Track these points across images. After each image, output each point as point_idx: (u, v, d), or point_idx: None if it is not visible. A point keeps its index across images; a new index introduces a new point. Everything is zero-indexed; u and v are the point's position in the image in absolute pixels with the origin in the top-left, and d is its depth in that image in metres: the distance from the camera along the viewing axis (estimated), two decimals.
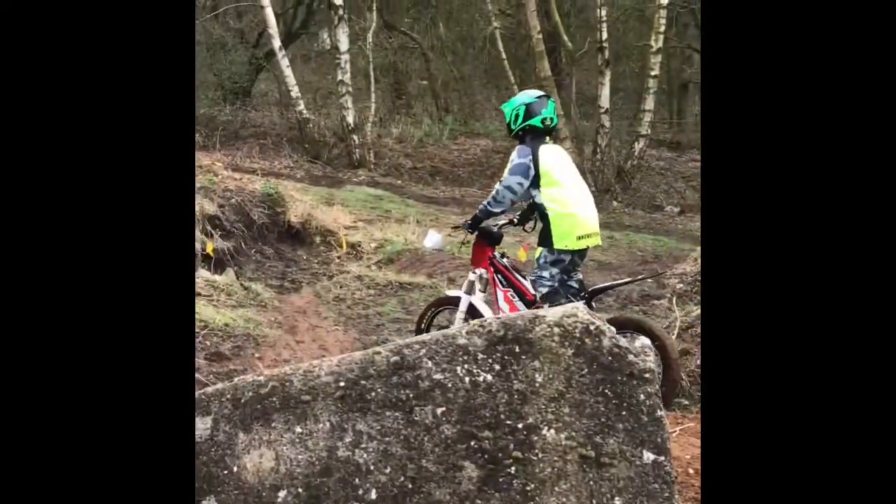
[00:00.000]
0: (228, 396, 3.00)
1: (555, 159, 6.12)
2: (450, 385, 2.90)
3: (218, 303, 7.64)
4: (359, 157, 20.10)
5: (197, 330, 6.51)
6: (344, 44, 20.24)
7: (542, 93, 6.43)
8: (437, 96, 26.75)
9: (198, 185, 11.41)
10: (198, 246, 9.56)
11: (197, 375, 5.32)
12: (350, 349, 6.91)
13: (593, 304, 6.22)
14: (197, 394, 3.06)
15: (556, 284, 6.08)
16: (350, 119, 20.17)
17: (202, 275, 8.39)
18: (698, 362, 5.52)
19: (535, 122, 6.13)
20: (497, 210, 6.31)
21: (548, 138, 6.21)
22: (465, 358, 2.92)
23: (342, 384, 2.95)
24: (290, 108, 21.78)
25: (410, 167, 20.95)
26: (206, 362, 5.74)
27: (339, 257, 11.14)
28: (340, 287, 9.27)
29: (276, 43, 20.27)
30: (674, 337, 5.70)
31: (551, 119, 6.18)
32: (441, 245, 11.68)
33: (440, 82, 26.98)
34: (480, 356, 2.92)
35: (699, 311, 6.50)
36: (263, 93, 27.18)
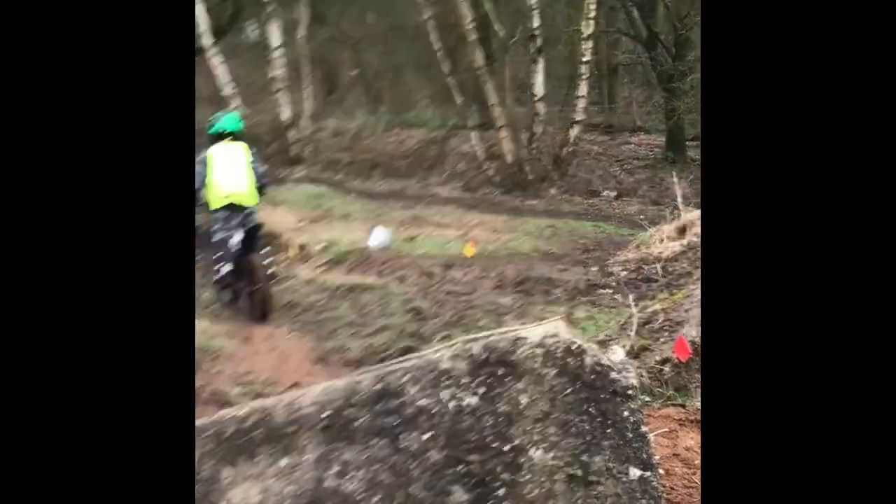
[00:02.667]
0: (211, 431, 2.97)
1: (217, 153, 8.81)
2: (435, 410, 2.90)
3: None
4: (296, 153, 19.96)
5: None
6: (276, 39, 20.06)
7: (229, 111, 10.33)
8: (370, 88, 26.66)
9: None
10: None
11: None
12: (308, 358, 6.89)
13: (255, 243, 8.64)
14: None
15: (224, 235, 8.53)
16: (285, 115, 20.00)
17: None
18: (657, 357, 5.59)
19: (214, 130, 9.02)
20: (196, 185, 8.72)
21: (229, 139, 8.93)
22: (449, 382, 2.93)
23: (326, 414, 2.94)
24: (223, 105, 21.53)
25: (348, 162, 20.88)
26: None
27: (286, 260, 11.07)
28: (292, 292, 9.21)
29: (208, 40, 20.03)
30: (632, 334, 5.78)
31: (224, 129, 8.97)
32: (388, 243, 11.71)
33: (372, 74, 26.90)
34: (464, 380, 2.92)
35: (656, 307, 6.60)
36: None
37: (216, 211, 8.64)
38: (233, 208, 8.61)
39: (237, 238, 8.50)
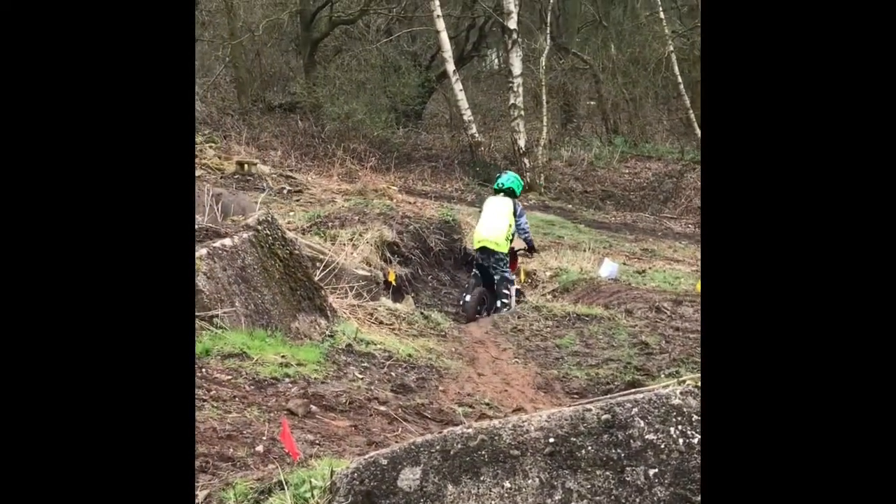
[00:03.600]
0: (438, 448, 3.01)
1: (486, 204, 10.96)
2: (663, 446, 2.85)
3: (400, 332, 7.74)
4: (529, 180, 20.13)
5: (382, 360, 6.61)
6: (517, 68, 20.36)
7: (507, 171, 11.93)
8: (607, 118, 26.58)
9: (376, 210, 11.65)
10: (379, 273, 9.77)
11: (385, 408, 5.38)
12: (532, 384, 6.89)
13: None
14: (406, 443, 3.09)
15: (478, 272, 10.63)
16: (522, 143, 20.22)
17: (384, 303, 8.54)
18: None
19: (496, 185, 11.03)
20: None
21: (501, 194, 10.85)
22: (680, 419, 2.86)
23: (552, 440, 2.93)
24: (461, 130, 22.01)
25: (581, 191, 20.88)
26: (394, 394, 5.79)
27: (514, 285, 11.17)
28: (518, 317, 9.26)
29: (450, 66, 20.54)
30: None
31: (502, 184, 10.93)
32: (616, 274, 11.62)
33: (610, 104, 26.81)
34: (696, 418, 2.85)
35: None
36: (433, 114, 27.58)
37: (476, 251, 10.74)
38: (483, 251, 10.50)
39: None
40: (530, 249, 11.06)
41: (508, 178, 11.04)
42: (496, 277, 10.57)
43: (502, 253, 10.52)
